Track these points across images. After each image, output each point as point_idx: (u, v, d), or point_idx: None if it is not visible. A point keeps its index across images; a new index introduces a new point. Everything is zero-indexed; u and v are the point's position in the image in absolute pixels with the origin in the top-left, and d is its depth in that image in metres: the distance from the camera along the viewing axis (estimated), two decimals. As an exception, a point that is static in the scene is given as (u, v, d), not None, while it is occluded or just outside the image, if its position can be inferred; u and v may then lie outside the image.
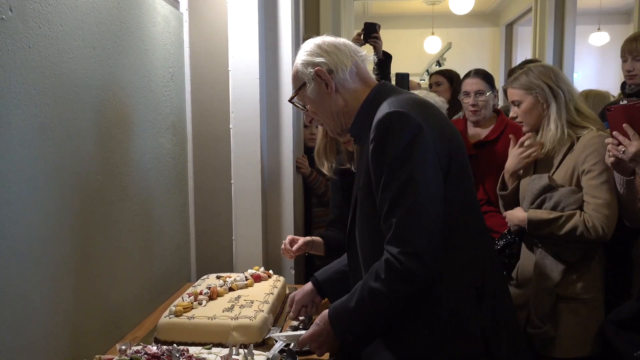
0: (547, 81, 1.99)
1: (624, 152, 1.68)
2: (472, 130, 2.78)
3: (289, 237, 2.15)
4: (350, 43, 1.53)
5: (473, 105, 2.71)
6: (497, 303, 1.45)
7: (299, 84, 1.52)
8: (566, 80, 2.01)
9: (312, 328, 1.49)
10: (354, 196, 1.52)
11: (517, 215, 2.03)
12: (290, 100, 1.57)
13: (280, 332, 1.75)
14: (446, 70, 3.80)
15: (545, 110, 2.01)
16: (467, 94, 2.74)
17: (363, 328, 1.41)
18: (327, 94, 1.48)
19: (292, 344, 1.60)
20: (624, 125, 1.68)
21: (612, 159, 1.74)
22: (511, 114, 2.14)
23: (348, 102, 1.49)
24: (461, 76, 3.55)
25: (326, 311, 1.47)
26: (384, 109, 1.38)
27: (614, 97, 3.63)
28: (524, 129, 2.11)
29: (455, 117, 3.35)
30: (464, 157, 1.46)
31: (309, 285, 1.90)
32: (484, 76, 2.78)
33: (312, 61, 1.48)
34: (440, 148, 1.36)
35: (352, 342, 1.44)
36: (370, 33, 3.11)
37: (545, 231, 1.94)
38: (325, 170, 2.11)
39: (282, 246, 2.13)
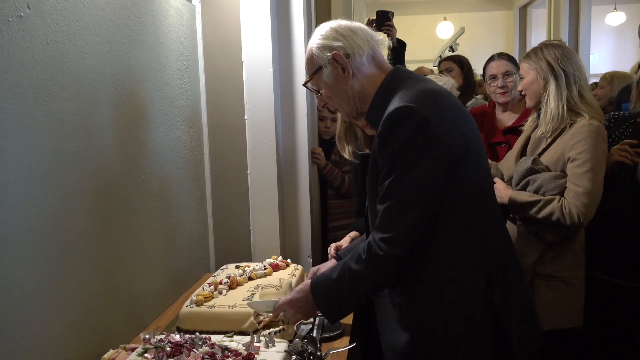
0: (550, 60, 2.02)
1: None
2: (500, 116, 2.78)
3: (333, 245, 2.17)
4: (366, 27, 1.52)
5: (502, 87, 2.69)
6: (510, 287, 1.46)
7: (315, 68, 1.50)
8: (576, 64, 2.03)
9: (292, 294, 1.56)
10: (367, 183, 1.53)
11: (502, 191, 2.07)
12: (304, 85, 1.56)
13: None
14: (456, 55, 3.77)
15: (544, 88, 2.05)
16: (494, 77, 2.72)
17: (341, 302, 1.48)
18: (343, 78, 1.47)
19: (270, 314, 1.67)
20: None
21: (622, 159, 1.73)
22: (519, 87, 2.20)
23: (364, 86, 1.49)
24: (470, 61, 3.54)
25: (309, 281, 1.54)
26: (395, 101, 1.38)
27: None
28: (527, 103, 2.17)
29: (471, 104, 3.31)
30: (479, 146, 1.47)
31: (332, 262, 1.93)
32: (509, 57, 2.78)
33: (329, 45, 1.46)
34: (451, 139, 1.36)
35: (329, 313, 1.50)
36: (383, 21, 3.08)
37: (524, 213, 2.00)
38: (346, 154, 2.12)
39: (329, 257, 2.16)
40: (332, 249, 2.15)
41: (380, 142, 1.37)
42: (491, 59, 2.82)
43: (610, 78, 4.07)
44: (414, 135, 1.33)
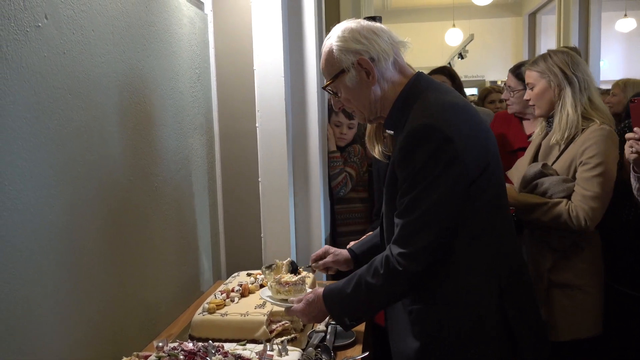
0: (563, 67, 2.01)
1: None
2: (526, 122, 2.77)
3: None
4: (387, 29, 1.47)
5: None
6: (521, 297, 1.47)
7: (336, 71, 1.46)
8: (584, 70, 2.03)
9: (304, 304, 1.55)
10: (384, 190, 1.53)
11: (509, 193, 2.03)
12: (324, 88, 1.53)
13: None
14: (445, 68, 3.76)
15: (558, 96, 2.03)
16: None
17: (356, 313, 1.48)
18: (367, 83, 1.44)
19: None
20: None
21: (635, 155, 1.67)
22: (525, 97, 2.17)
23: (385, 92, 1.46)
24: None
25: (320, 290, 1.53)
26: (417, 117, 1.37)
27: None
28: (536, 112, 2.14)
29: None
30: (497, 157, 1.47)
31: (345, 253, 1.90)
32: (513, 72, 2.76)
33: (353, 48, 1.42)
34: (472, 155, 1.36)
35: (341, 323, 1.50)
36: None
37: (531, 215, 1.98)
38: (376, 154, 2.11)
39: None
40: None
41: (402, 157, 1.37)
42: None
43: (623, 85, 4.05)
44: (436, 155, 1.32)
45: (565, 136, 1.99)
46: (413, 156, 1.34)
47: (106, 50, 1.52)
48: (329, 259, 1.89)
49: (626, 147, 1.68)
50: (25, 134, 1.19)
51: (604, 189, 1.89)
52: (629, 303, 2.13)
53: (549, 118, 2.11)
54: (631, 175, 1.77)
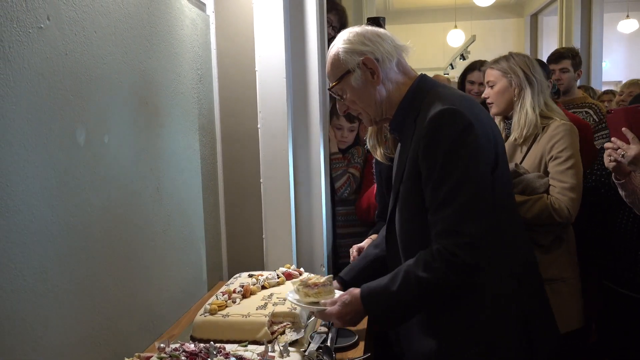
0: (524, 68, 2.10)
1: (623, 155, 1.72)
2: None
3: (355, 247, 2.17)
4: (391, 34, 1.52)
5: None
6: (535, 291, 1.50)
7: (342, 72, 1.49)
8: (541, 74, 2.13)
9: (340, 306, 1.50)
10: (395, 188, 1.53)
11: None
12: (330, 89, 1.55)
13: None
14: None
15: (517, 96, 2.11)
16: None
17: (401, 312, 1.44)
18: (372, 83, 1.48)
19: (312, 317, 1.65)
20: (622, 129, 1.72)
21: (612, 163, 1.77)
22: (483, 95, 2.24)
23: (391, 92, 1.50)
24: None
25: (357, 291, 1.48)
26: (436, 105, 1.38)
27: None
28: (493, 110, 2.21)
29: None
30: (504, 154, 1.50)
31: (335, 282, 1.86)
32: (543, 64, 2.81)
33: (358, 49, 1.46)
34: (487, 145, 1.39)
35: (384, 323, 1.48)
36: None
37: None
38: (378, 156, 2.12)
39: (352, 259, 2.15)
40: (354, 250, 2.15)
41: (426, 145, 1.36)
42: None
43: (628, 85, 4.08)
44: (462, 137, 1.34)
45: (524, 134, 2.09)
46: (438, 141, 1.34)
47: (108, 51, 1.52)
48: None
49: (605, 156, 1.78)
50: (28, 135, 1.19)
51: (578, 180, 2.00)
52: (628, 305, 2.14)
53: (507, 118, 2.17)
54: (616, 184, 1.85)
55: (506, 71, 2.09)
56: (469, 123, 1.34)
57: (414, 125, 1.43)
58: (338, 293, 1.61)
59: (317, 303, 1.58)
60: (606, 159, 1.78)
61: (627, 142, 1.72)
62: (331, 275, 1.67)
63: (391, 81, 1.49)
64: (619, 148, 1.73)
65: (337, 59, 1.50)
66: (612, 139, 1.76)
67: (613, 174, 1.84)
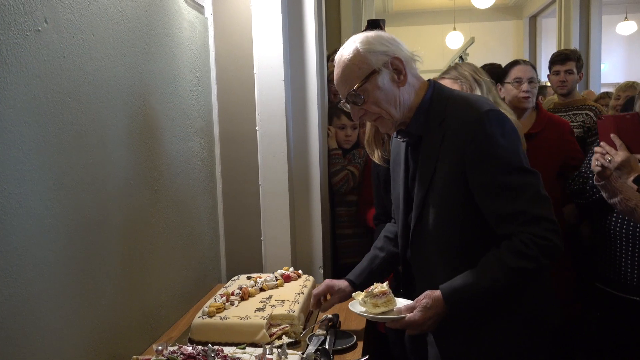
0: (471, 73, 2.18)
1: (610, 161, 1.79)
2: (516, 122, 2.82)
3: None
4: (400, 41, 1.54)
5: (527, 92, 2.71)
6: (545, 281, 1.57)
7: (367, 72, 1.45)
8: (486, 75, 2.21)
9: (422, 312, 1.45)
10: (419, 195, 1.53)
11: None
12: (355, 90, 1.47)
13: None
14: None
15: None
16: (519, 80, 2.73)
17: (483, 306, 1.47)
18: (397, 84, 1.48)
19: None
20: (611, 135, 1.80)
21: (598, 168, 1.85)
22: None
23: (410, 95, 1.51)
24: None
25: (436, 294, 1.45)
26: (471, 109, 1.44)
27: None
28: None
29: None
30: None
31: (347, 286, 1.77)
32: (532, 65, 2.83)
33: (381, 49, 1.46)
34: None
35: (459, 319, 1.48)
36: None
37: None
38: (375, 158, 2.13)
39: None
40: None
41: (478, 146, 1.41)
42: (516, 62, 2.85)
43: (624, 87, 4.08)
44: (512, 134, 1.43)
45: None
46: (494, 139, 1.40)
47: (106, 54, 1.52)
48: (335, 299, 1.76)
49: (593, 159, 1.86)
50: (25, 138, 1.19)
51: None
52: (620, 305, 2.16)
53: None
54: (598, 186, 1.92)
55: (456, 77, 2.17)
56: (510, 122, 1.44)
57: (441, 130, 1.47)
58: (399, 300, 1.57)
59: (389, 312, 1.51)
60: (593, 162, 1.86)
61: (616, 148, 1.80)
62: (387, 282, 1.59)
63: (410, 84, 1.50)
64: (607, 153, 1.80)
65: (359, 59, 1.45)
66: (601, 143, 1.83)
67: (595, 176, 1.91)
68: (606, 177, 1.86)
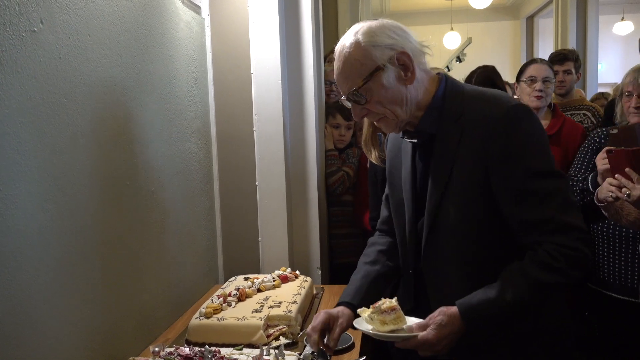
0: None
1: (628, 195, 1.80)
2: None
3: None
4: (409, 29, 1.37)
5: (540, 91, 2.68)
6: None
7: (370, 69, 1.29)
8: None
9: (436, 330, 1.27)
10: (433, 200, 1.38)
11: None
12: (357, 89, 1.32)
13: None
14: None
15: None
16: (533, 79, 2.71)
17: (505, 321, 1.30)
18: (403, 81, 1.32)
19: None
20: (626, 169, 1.81)
21: (611, 199, 1.87)
22: None
23: (418, 91, 1.35)
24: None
25: (452, 310, 1.28)
26: (493, 104, 1.31)
27: None
28: None
29: None
30: None
31: (347, 313, 1.48)
32: (550, 65, 2.80)
33: (387, 43, 1.29)
34: None
35: (478, 336, 1.31)
36: None
37: None
38: (373, 159, 2.10)
39: None
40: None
41: (506, 143, 1.27)
42: (533, 61, 2.84)
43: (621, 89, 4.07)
44: (542, 132, 1.31)
45: None
46: (523, 137, 1.27)
47: (102, 54, 1.52)
48: (338, 331, 1.44)
49: (605, 190, 1.88)
50: (21, 139, 1.19)
51: None
52: (616, 307, 2.16)
53: None
54: (600, 207, 1.96)
55: None
56: (538, 118, 1.32)
57: (458, 126, 1.32)
58: (409, 318, 1.36)
59: (399, 330, 1.33)
60: (606, 193, 1.87)
61: (632, 181, 1.80)
62: (395, 297, 1.37)
63: (418, 80, 1.34)
64: (624, 187, 1.80)
65: (362, 53, 1.29)
66: (616, 176, 1.84)
67: (595, 198, 1.96)
68: (608, 201, 1.90)
